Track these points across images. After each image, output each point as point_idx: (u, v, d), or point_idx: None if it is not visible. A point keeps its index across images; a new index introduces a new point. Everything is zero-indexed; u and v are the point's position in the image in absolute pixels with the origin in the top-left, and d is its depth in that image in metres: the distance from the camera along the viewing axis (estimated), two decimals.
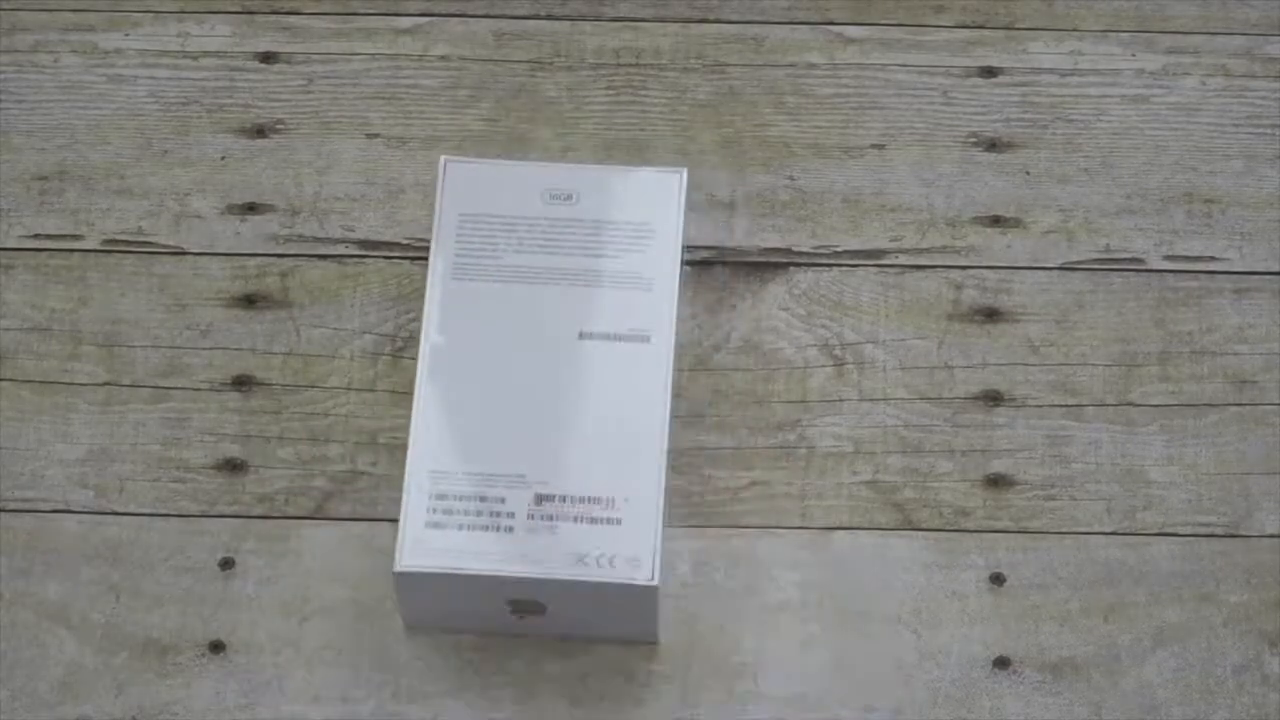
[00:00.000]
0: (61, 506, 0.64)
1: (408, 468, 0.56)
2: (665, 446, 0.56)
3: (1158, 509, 0.64)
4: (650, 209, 0.59)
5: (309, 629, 0.61)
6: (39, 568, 0.62)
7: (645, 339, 0.57)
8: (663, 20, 0.70)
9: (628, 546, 0.54)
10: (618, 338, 0.57)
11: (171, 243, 0.67)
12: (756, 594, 0.62)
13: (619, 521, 0.54)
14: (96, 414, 0.65)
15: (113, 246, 0.67)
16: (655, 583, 0.54)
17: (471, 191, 0.59)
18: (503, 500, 0.54)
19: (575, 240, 0.59)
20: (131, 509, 0.63)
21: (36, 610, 0.61)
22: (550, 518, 0.54)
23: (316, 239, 0.67)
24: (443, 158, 0.60)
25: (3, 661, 0.60)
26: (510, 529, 0.54)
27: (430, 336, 0.58)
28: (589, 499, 0.55)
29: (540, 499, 0.54)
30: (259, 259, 0.67)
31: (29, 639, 0.60)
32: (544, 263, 0.58)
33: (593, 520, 0.54)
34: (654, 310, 0.58)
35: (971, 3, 0.71)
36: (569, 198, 0.59)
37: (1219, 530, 0.63)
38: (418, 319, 0.66)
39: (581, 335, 0.57)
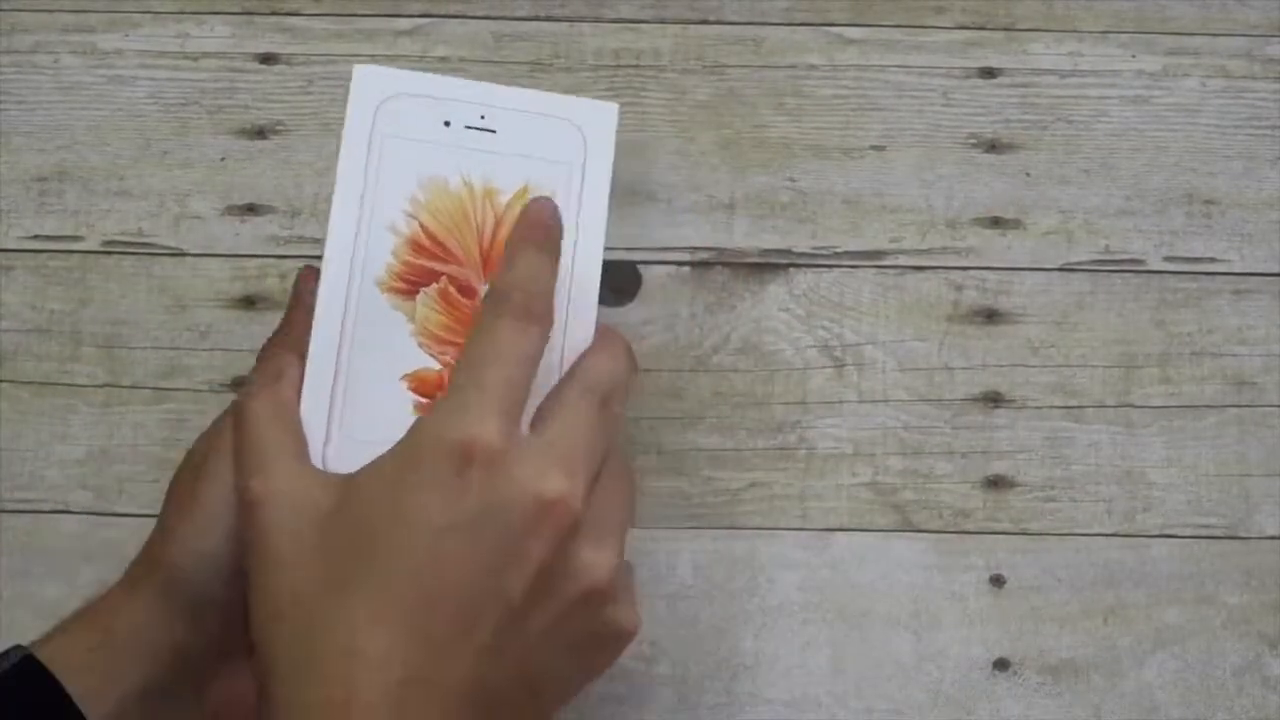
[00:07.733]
0: (61, 507, 0.64)
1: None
2: None
3: (1157, 510, 0.64)
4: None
5: None
6: (38, 569, 0.63)
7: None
8: (662, 22, 0.70)
9: None
10: None
11: (171, 244, 0.67)
12: (756, 595, 0.62)
13: None
14: (96, 415, 0.65)
15: (112, 248, 0.67)
16: None
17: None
18: None
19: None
20: (131, 510, 0.63)
21: (35, 611, 0.61)
22: None
23: (316, 240, 0.67)
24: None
25: None
26: None
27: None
28: None
29: None
30: (259, 260, 0.67)
31: (27, 640, 0.60)
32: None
33: None
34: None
35: (971, 4, 0.71)
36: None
37: (1219, 532, 0.63)
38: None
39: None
